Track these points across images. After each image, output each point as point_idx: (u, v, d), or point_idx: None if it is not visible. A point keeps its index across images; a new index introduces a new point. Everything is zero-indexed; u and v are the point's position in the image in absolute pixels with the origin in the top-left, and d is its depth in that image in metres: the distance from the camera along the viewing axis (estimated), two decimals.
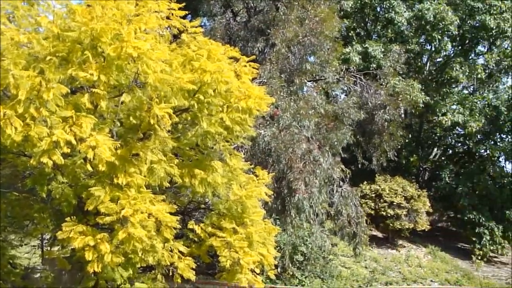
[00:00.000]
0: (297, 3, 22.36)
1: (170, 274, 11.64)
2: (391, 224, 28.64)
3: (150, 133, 10.47)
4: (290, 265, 21.67)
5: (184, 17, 11.51)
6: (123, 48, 9.58)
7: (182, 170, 11.04)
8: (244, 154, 15.74)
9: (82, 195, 10.28)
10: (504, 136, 35.16)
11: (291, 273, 21.90)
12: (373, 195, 28.93)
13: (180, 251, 11.30)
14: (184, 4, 11.31)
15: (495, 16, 30.90)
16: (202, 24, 24.19)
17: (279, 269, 20.22)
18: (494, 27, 30.82)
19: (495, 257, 32.37)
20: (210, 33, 21.59)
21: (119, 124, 10.75)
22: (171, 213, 10.54)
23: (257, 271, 11.80)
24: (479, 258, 30.15)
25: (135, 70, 9.98)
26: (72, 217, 10.20)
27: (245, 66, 11.60)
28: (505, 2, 31.52)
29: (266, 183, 12.72)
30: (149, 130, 10.45)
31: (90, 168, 9.81)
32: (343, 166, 22.06)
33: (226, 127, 10.99)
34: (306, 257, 22.45)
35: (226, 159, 11.79)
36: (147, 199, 10.14)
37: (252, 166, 13.07)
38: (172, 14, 11.19)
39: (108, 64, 9.89)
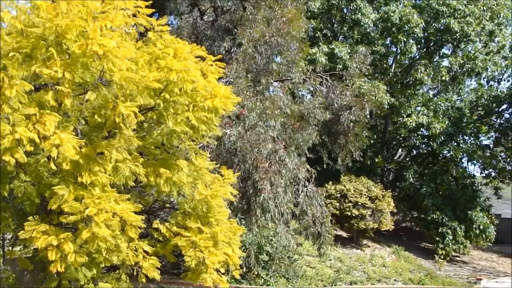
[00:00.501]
0: (264, 3, 22.37)
1: (135, 273, 11.56)
2: (355, 224, 28.84)
3: (115, 131, 10.37)
4: (256, 264, 21.68)
5: (151, 15, 11.42)
6: (88, 46, 9.48)
7: (147, 169, 10.98)
8: (209, 153, 15.70)
9: (46, 194, 10.14)
10: (467, 138, 35.74)
11: (256, 272, 21.91)
12: (338, 195, 29.09)
13: (145, 251, 11.22)
14: (151, 2, 11.23)
15: (459, 20, 31.33)
16: (169, 22, 24.12)
17: (244, 269, 20.19)
18: (458, 31, 31.24)
19: (457, 256, 32.85)
20: (177, 32, 21.48)
21: (83, 122, 10.62)
22: (136, 213, 10.46)
23: (222, 271, 11.79)
24: (442, 257, 30.54)
25: (100, 68, 9.88)
26: (35, 216, 10.06)
27: (212, 65, 11.57)
28: (469, 6, 31.98)
29: (232, 182, 12.71)
30: (114, 129, 10.35)
31: (53, 167, 9.67)
32: (308, 166, 22.12)
33: (192, 126, 10.95)
34: (271, 257, 22.48)
35: (192, 158, 11.75)
36: (111, 198, 10.05)
37: (218, 165, 13.05)
38: (139, 12, 11.10)
39: (73, 62, 9.78)
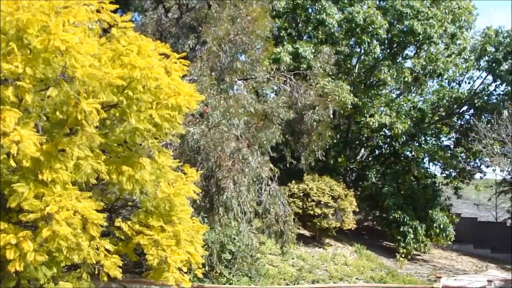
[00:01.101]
0: (229, 1, 22.32)
1: (96, 272, 11.46)
2: (318, 223, 28.94)
3: (77, 128, 10.26)
4: (218, 263, 21.62)
5: (114, 11, 11.31)
6: (50, 41, 9.36)
7: (109, 166, 10.88)
8: (173, 151, 15.61)
9: (5, 192, 9.99)
10: (429, 138, 36.16)
11: (218, 271, 21.85)
12: (301, 194, 29.16)
13: (106, 249, 11.14)
14: None
15: (422, 22, 31.66)
16: (133, 19, 23.90)
17: (206, 268, 20.13)
18: (421, 33, 31.56)
19: (418, 255, 33.24)
20: (141, 29, 21.29)
21: (45, 119, 10.49)
22: (97, 211, 10.38)
23: (185, 269, 11.76)
24: (403, 256, 30.86)
25: (62, 64, 9.76)
26: None
27: (176, 63, 11.54)
28: (432, 9, 32.36)
29: (195, 181, 12.69)
30: (76, 126, 10.25)
31: (13, 164, 9.53)
32: (271, 165, 22.14)
33: (155, 124, 10.90)
34: (234, 256, 22.44)
35: (155, 156, 11.69)
36: (73, 196, 9.95)
37: (181, 163, 13.01)
38: (103, 8, 10.99)
39: (35, 57, 9.64)
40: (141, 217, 11.72)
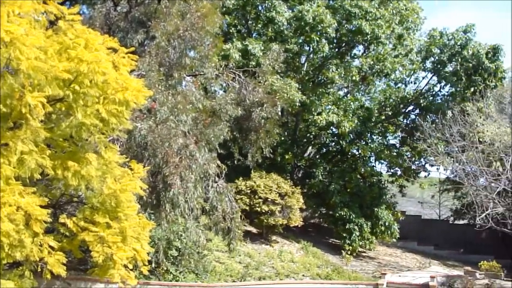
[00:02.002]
0: None
1: (39, 270, 11.24)
2: (265, 220, 29.04)
3: (21, 122, 10.06)
4: (165, 260, 21.49)
5: (62, 3, 11.12)
6: None
7: (54, 161, 10.69)
8: (119, 147, 15.44)
9: None
10: (375, 137, 36.66)
11: (165, 268, 21.73)
12: (248, 191, 29.22)
13: (50, 246, 10.94)
14: None
15: (371, 22, 32.07)
16: (81, 12, 23.50)
17: (153, 265, 20.00)
18: (369, 33, 31.95)
19: (364, 252, 33.69)
20: (89, 22, 20.95)
21: None
22: (42, 206, 10.19)
23: (130, 266, 11.66)
24: (349, 253, 31.25)
25: (7, 56, 9.53)
26: None
27: (124, 57, 11.41)
28: (380, 9, 32.80)
29: (141, 177, 12.59)
30: (20, 119, 10.04)
31: None
32: (219, 162, 22.10)
33: (102, 119, 10.75)
34: (180, 252, 22.35)
35: (101, 151, 11.53)
36: (16, 191, 9.74)
37: (128, 159, 12.88)
38: None
39: None
40: (87, 213, 11.56)
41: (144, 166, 12.97)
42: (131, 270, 11.73)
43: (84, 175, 10.90)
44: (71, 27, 11.16)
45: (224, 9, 29.66)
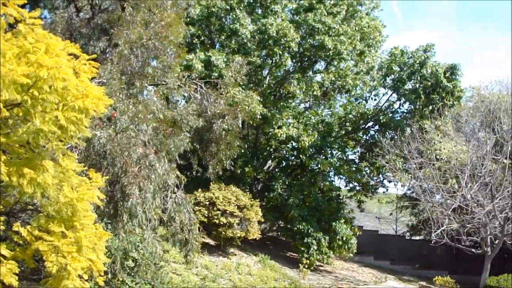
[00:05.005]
0: (144, 5, 22.02)
1: None
2: (223, 232, 28.95)
3: None
4: (121, 271, 21.17)
5: (22, 6, 10.87)
6: None
7: (10, 168, 10.42)
8: (78, 155, 15.20)
9: None
10: (335, 152, 36.92)
11: (121, 279, 21.41)
12: (207, 202, 29.12)
13: (2, 255, 10.64)
14: None
15: (333, 38, 32.37)
16: (43, 16, 23.17)
17: (109, 275, 19.69)
18: (332, 48, 32.25)
19: (321, 266, 33.83)
20: (51, 27, 20.67)
21: None
22: None
23: (86, 277, 11.42)
24: (306, 267, 31.35)
25: None
26: None
27: (85, 64, 11.21)
28: (343, 26, 33.13)
29: (100, 186, 12.36)
30: None
31: None
32: (178, 173, 21.93)
33: (61, 126, 10.53)
34: (137, 263, 22.07)
35: (59, 159, 11.29)
36: None
37: (86, 168, 12.65)
38: (9, 1, 10.54)
39: None
40: (42, 222, 11.29)
41: (102, 175, 12.74)
42: (86, 280, 11.49)
43: (40, 182, 10.64)
44: (32, 31, 10.92)
45: (188, 19, 29.61)
